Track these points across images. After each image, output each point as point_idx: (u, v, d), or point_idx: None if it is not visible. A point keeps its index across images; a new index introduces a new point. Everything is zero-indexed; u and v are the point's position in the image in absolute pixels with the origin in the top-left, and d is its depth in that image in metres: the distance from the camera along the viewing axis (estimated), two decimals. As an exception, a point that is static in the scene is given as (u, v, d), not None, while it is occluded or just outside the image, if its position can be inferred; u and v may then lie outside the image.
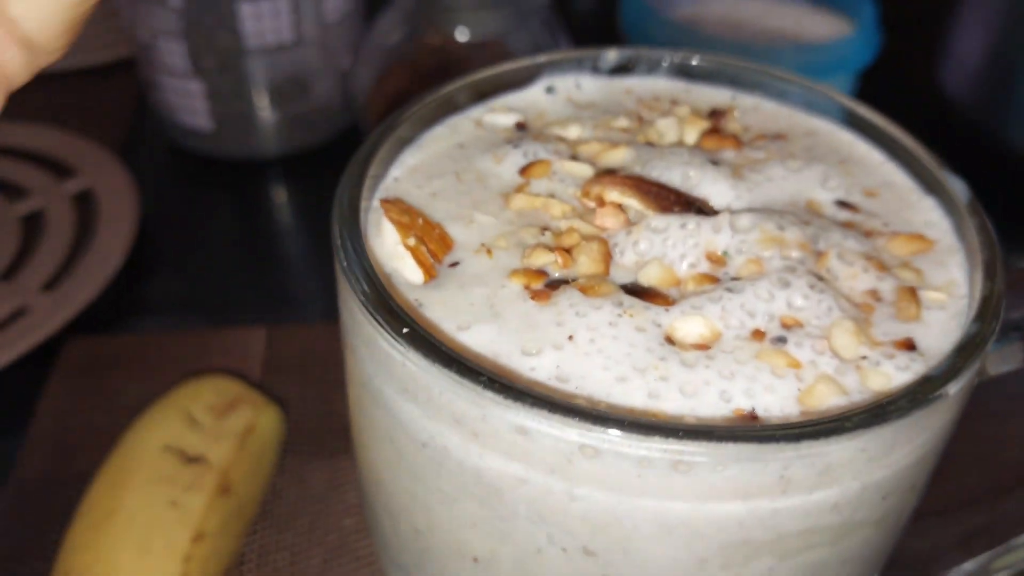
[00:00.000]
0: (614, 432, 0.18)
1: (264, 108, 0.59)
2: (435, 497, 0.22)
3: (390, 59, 0.53)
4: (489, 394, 0.19)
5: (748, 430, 0.18)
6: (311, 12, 0.56)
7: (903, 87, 0.64)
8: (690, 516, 0.19)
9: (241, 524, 0.40)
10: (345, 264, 0.21)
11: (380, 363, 0.21)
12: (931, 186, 0.26)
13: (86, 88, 0.68)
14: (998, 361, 0.25)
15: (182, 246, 0.57)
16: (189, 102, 0.58)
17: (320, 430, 0.46)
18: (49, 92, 0.67)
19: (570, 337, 0.21)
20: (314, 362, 0.50)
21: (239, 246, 0.58)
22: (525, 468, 0.20)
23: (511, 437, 0.19)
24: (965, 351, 0.20)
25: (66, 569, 0.35)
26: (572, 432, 0.18)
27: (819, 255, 0.23)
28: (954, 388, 0.20)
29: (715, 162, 0.26)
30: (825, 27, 0.56)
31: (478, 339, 0.21)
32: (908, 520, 0.24)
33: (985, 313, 0.21)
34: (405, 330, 0.20)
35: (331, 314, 0.46)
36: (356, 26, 0.60)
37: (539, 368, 0.20)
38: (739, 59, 0.29)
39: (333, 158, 0.59)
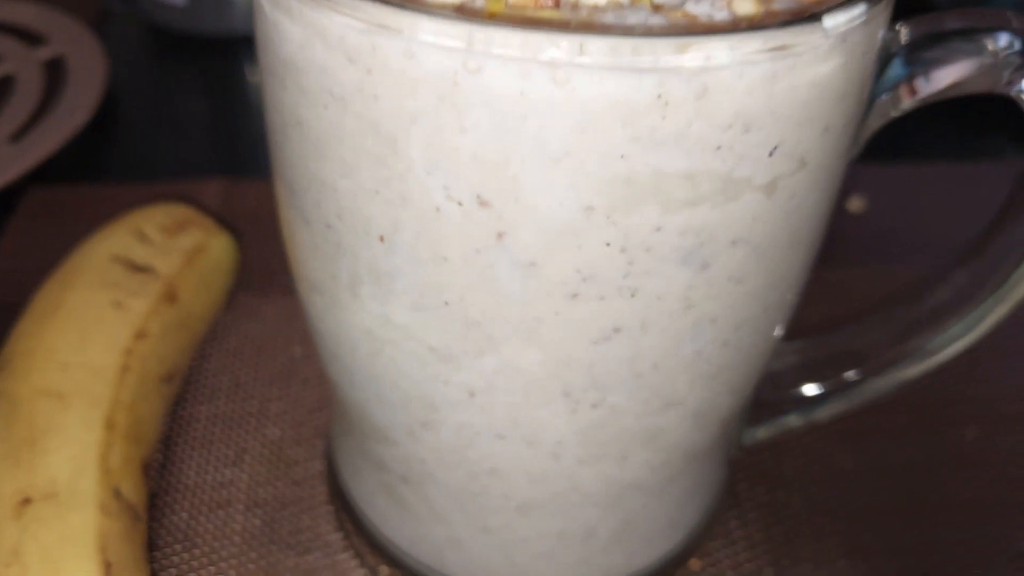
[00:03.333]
0: (492, 36, 0.18)
1: (233, -16, 0.59)
2: (338, 171, 0.23)
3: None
4: (376, 12, 0.19)
5: (626, 31, 0.19)
6: None
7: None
8: (573, 144, 0.20)
9: (186, 337, 0.41)
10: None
11: (279, 8, 0.21)
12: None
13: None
14: (921, 85, 0.26)
15: (149, 117, 0.58)
16: (159, -23, 0.59)
17: (274, 269, 0.47)
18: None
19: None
20: (270, 214, 0.50)
21: (206, 122, 0.59)
22: (416, 103, 0.20)
23: (401, 65, 0.20)
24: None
25: (7, 357, 0.36)
26: (453, 43, 0.19)
27: None
28: (833, 21, 0.20)
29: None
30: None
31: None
32: (807, 232, 0.25)
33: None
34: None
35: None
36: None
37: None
38: None
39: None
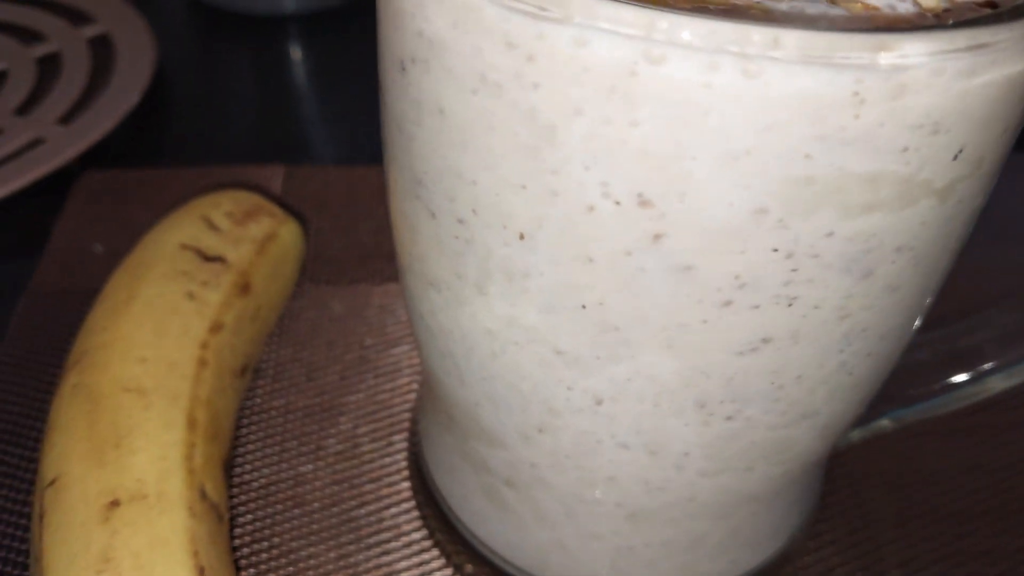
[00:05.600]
0: (679, 29, 0.17)
1: (284, -39, 0.58)
2: (481, 164, 0.21)
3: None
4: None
5: (827, 24, 0.17)
6: None
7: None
8: (756, 143, 0.18)
9: (258, 328, 0.40)
10: None
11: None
12: None
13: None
14: None
15: (198, 94, 0.56)
16: (208, -47, 0.57)
17: (341, 259, 0.46)
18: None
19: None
20: (334, 198, 0.49)
21: (256, 100, 0.57)
22: (582, 92, 0.19)
23: (570, 52, 0.18)
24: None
25: (83, 349, 0.35)
26: (634, 32, 0.17)
27: None
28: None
29: None
30: None
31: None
32: (962, 236, 0.23)
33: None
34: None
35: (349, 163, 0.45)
36: None
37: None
38: None
39: (354, 16, 0.58)
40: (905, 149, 0.19)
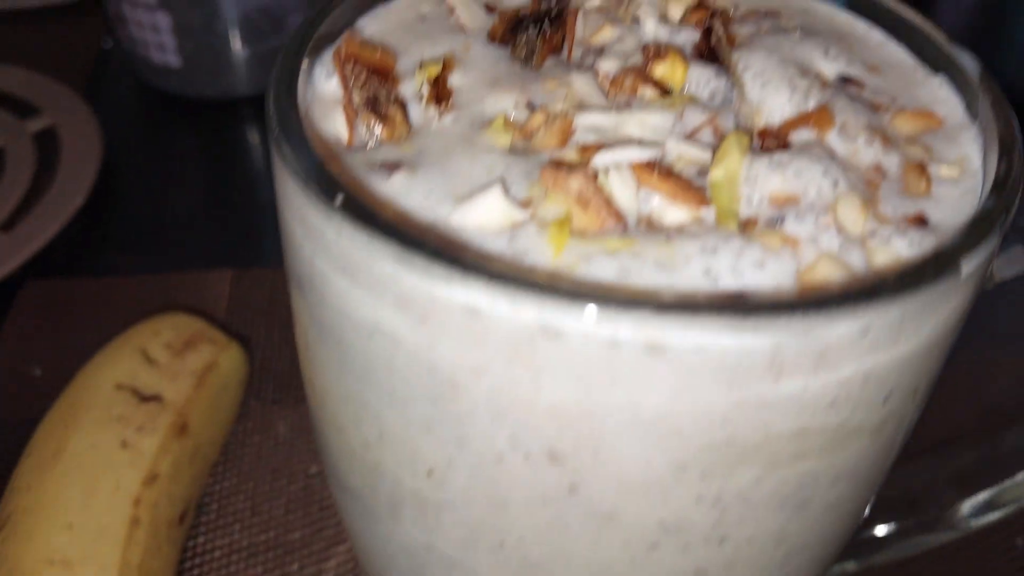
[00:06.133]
0: (578, 309, 0.16)
1: (235, 44, 0.56)
2: (385, 400, 0.20)
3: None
4: (435, 269, 0.16)
5: (735, 302, 0.16)
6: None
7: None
8: (668, 409, 0.17)
9: (199, 467, 0.38)
10: (276, 128, 0.19)
11: (316, 241, 0.18)
12: (937, 64, 0.23)
13: (51, 27, 0.65)
14: (1003, 265, 0.23)
15: (147, 187, 0.55)
16: (156, 37, 0.55)
17: (287, 374, 0.44)
18: (13, 31, 0.64)
19: (528, 206, 0.18)
20: (282, 306, 0.47)
21: (206, 188, 0.56)
22: (483, 356, 0.17)
23: (463, 320, 0.17)
24: (982, 224, 0.18)
25: (8, 511, 0.33)
26: (530, 311, 0.16)
27: (821, 123, 0.20)
28: (969, 265, 0.17)
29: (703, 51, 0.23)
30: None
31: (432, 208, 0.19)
32: (904, 438, 0.22)
33: (1003, 186, 0.18)
34: (339, 197, 0.17)
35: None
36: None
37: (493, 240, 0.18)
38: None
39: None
40: (832, 403, 0.18)
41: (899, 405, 0.19)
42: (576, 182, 0.18)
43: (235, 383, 0.41)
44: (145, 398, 0.37)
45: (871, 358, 0.17)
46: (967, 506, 0.32)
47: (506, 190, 0.18)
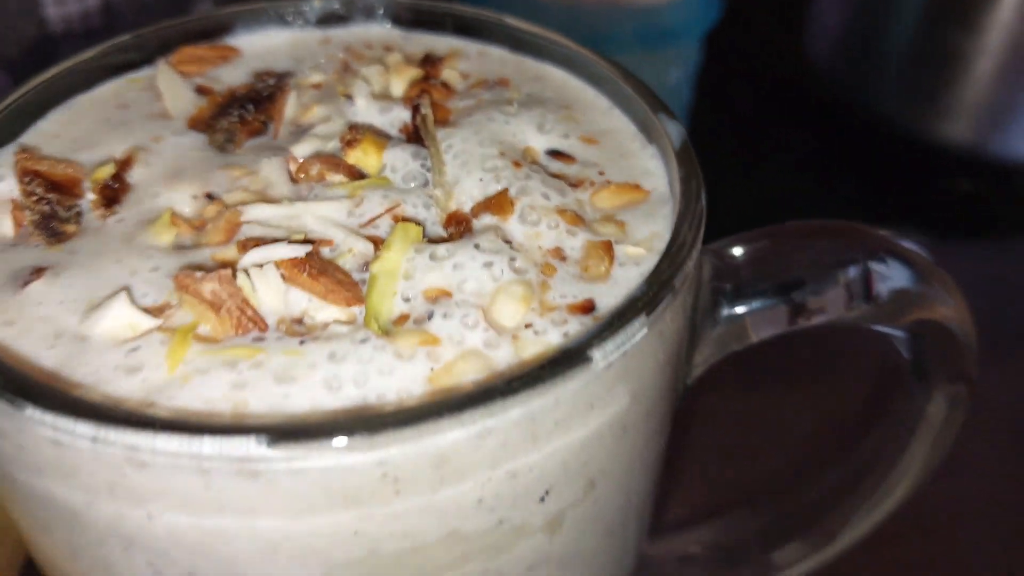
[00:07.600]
0: (151, 439, 0.15)
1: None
2: (32, 525, 0.18)
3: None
4: (19, 404, 0.15)
5: (295, 426, 0.15)
6: (118, -6, 0.52)
7: (757, 52, 0.62)
8: (290, 529, 0.16)
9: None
10: None
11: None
12: (653, 133, 0.22)
13: None
14: (762, 324, 0.23)
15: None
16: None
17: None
18: None
19: (163, 312, 0.17)
20: None
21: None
22: (83, 485, 0.16)
23: (54, 453, 0.16)
24: (627, 312, 0.17)
25: None
26: (113, 442, 0.15)
27: (501, 208, 0.20)
28: (606, 356, 0.16)
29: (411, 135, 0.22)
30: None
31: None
32: (633, 521, 0.21)
33: (660, 272, 0.18)
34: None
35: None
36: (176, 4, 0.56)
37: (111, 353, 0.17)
38: (465, 7, 0.26)
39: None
40: (480, 501, 0.17)
41: (562, 503, 0.18)
42: (210, 285, 0.17)
43: None
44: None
45: (503, 453, 0.16)
46: (777, 556, 0.31)
47: (132, 298, 0.17)
